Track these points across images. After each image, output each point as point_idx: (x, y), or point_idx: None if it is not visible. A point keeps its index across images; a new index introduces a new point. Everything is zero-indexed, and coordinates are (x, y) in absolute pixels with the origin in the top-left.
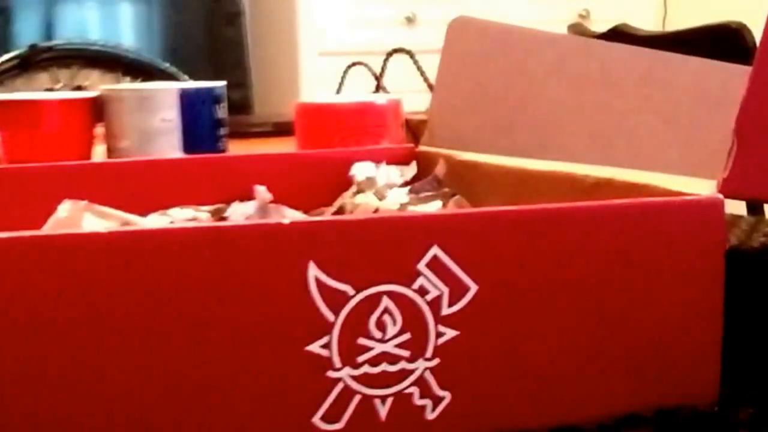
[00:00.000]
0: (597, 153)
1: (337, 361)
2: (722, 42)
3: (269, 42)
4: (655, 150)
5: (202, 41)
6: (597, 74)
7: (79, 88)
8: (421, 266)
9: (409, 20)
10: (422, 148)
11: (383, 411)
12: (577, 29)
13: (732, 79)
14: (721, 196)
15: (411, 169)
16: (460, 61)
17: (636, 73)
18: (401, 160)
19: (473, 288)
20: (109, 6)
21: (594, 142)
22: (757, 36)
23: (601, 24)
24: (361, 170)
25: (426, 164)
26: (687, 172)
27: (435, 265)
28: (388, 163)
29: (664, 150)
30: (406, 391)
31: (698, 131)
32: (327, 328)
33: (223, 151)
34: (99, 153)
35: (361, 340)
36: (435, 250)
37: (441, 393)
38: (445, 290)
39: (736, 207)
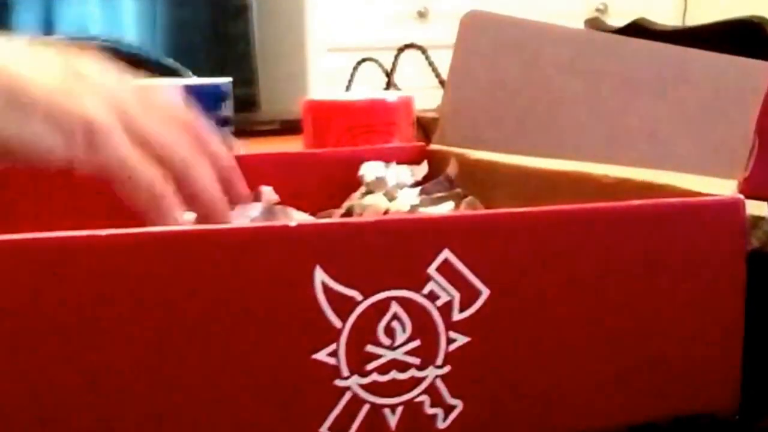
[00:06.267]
0: (614, 152)
1: (344, 370)
2: (744, 37)
3: (276, 37)
4: (674, 149)
5: (207, 36)
6: (615, 70)
7: None
8: (432, 270)
9: (421, 15)
10: (434, 146)
11: (393, 420)
12: (595, 24)
13: (754, 75)
14: (742, 196)
15: (422, 169)
16: (473, 57)
17: (655, 70)
18: (412, 160)
19: (485, 293)
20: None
21: (611, 141)
22: None
23: (619, 18)
24: (370, 170)
25: (438, 163)
26: (707, 172)
27: (446, 269)
28: (399, 162)
29: (684, 149)
30: (417, 399)
31: (719, 129)
32: (334, 335)
33: None
34: None
35: (370, 348)
36: (446, 254)
37: (452, 401)
38: (456, 295)
39: (758, 208)
